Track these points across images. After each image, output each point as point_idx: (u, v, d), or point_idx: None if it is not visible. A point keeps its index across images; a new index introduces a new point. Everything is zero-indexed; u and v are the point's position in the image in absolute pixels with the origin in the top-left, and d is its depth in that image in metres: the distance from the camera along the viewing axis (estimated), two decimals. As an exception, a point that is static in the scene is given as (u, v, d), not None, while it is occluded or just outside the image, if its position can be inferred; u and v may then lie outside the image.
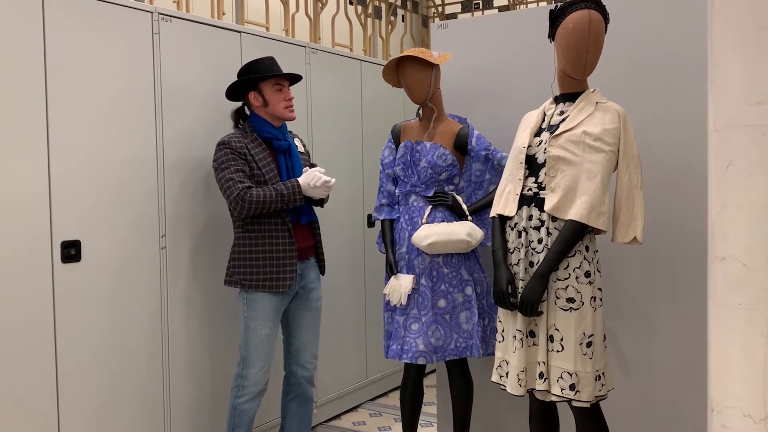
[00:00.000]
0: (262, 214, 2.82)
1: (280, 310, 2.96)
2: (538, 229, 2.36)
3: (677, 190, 2.71)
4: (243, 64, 3.23)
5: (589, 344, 2.29)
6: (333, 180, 2.92)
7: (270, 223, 2.86)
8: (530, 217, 2.38)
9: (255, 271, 2.86)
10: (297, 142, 3.06)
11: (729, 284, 1.45)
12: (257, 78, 2.90)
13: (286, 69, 3.04)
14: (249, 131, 2.92)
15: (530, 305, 2.30)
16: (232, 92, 2.98)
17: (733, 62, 1.44)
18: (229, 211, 2.91)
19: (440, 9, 6.19)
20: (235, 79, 2.96)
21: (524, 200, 2.41)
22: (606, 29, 2.37)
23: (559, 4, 2.38)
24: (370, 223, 4.22)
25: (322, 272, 3.12)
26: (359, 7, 5.25)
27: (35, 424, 2.55)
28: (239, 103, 3.05)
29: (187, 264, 3.10)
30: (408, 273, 2.91)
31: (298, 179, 2.87)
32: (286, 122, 3.02)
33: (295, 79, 3.01)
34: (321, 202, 3.04)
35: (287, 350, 3.11)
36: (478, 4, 6.09)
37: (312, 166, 3.12)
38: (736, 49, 1.43)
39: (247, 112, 3.01)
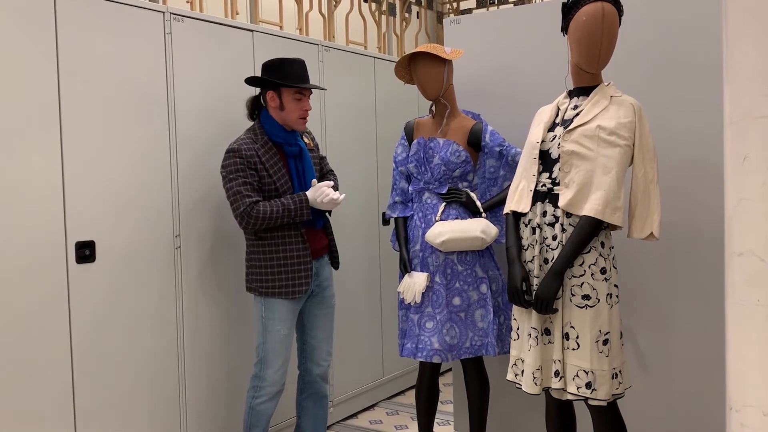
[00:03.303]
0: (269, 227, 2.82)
1: (297, 310, 2.96)
2: (552, 225, 2.33)
3: (694, 184, 2.67)
4: (257, 62, 3.25)
5: (605, 342, 2.26)
6: (342, 197, 2.88)
7: (282, 229, 2.84)
8: (544, 213, 2.35)
9: (271, 279, 2.85)
10: (306, 138, 3.03)
11: (747, 280, 1.42)
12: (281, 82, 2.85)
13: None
14: (260, 133, 2.86)
15: (545, 303, 2.27)
16: (253, 80, 2.94)
17: (750, 52, 1.40)
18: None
19: (455, 5, 6.15)
20: (253, 74, 2.94)
21: (538, 196, 2.38)
22: (620, 22, 2.33)
23: (572, -3, 2.34)
24: (385, 221, 4.20)
25: (336, 267, 3.10)
26: (373, 5, 5.24)
27: (52, 422, 2.57)
28: (255, 90, 3.01)
29: (202, 264, 3.11)
30: (422, 271, 2.89)
31: (307, 193, 2.84)
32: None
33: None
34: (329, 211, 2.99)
35: (302, 348, 3.10)
36: (493, -1, 6.04)
37: (321, 159, 3.11)
38: (752, 39, 1.40)
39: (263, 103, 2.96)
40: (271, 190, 2.83)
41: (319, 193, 2.83)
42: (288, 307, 2.89)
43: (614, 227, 2.33)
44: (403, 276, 2.94)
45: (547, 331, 2.34)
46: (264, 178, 2.81)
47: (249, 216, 2.74)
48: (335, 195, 2.85)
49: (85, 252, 2.66)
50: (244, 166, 2.77)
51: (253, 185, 2.78)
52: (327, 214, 3.01)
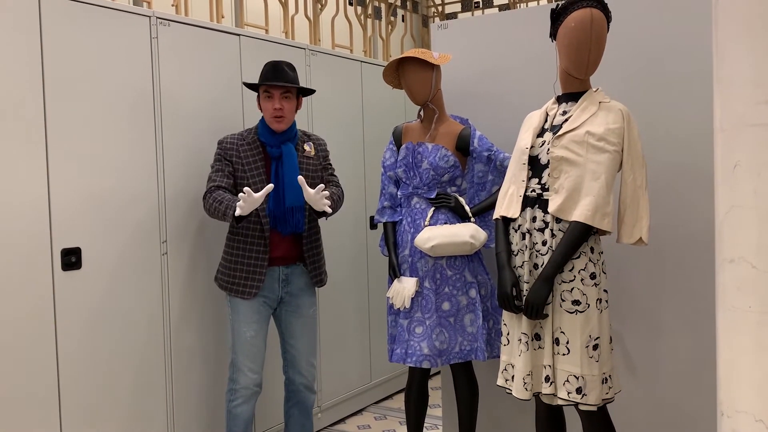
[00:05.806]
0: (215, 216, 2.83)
1: (264, 313, 2.94)
2: (542, 230, 2.33)
3: (683, 190, 2.68)
4: (243, 66, 3.26)
5: (595, 347, 2.27)
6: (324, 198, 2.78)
7: (249, 229, 2.87)
8: (534, 219, 2.35)
9: (228, 274, 2.91)
10: (307, 146, 2.99)
11: (738, 286, 1.42)
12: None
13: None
14: (253, 131, 2.95)
15: (535, 308, 2.27)
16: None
17: (740, 60, 1.41)
18: None
19: (440, 8, 6.16)
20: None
21: (528, 202, 2.38)
22: (608, 27, 2.34)
23: (560, 3, 2.35)
24: (373, 226, 4.19)
25: (318, 284, 3.04)
26: (359, 8, 5.23)
27: (38, 431, 2.54)
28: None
29: (189, 270, 3.08)
30: (411, 276, 2.89)
31: (310, 190, 2.76)
32: (295, 127, 2.97)
33: (304, 90, 2.98)
34: (324, 214, 2.90)
35: (284, 356, 3.09)
36: (479, 3, 6.06)
37: (325, 168, 3.07)
38: (743, 47, 1.41)
39: None
40: (242, 185, 2.85)
41: (320, 196, 2.75)
42: (252, 308, 2.89)
43: (603, 232, 2.34)
44: (392, 281, 2.93)
45: (537, 337, 2.34)
46: (238, 171, 2.87)
47: (204, 198, 2.85)
48: (324, 203, 2.78)
49: (71, 259, 2.63)
50: (220, 156, 2.90)
51: (224, 172, 2.86)
52: (303, 225, 2.93)
